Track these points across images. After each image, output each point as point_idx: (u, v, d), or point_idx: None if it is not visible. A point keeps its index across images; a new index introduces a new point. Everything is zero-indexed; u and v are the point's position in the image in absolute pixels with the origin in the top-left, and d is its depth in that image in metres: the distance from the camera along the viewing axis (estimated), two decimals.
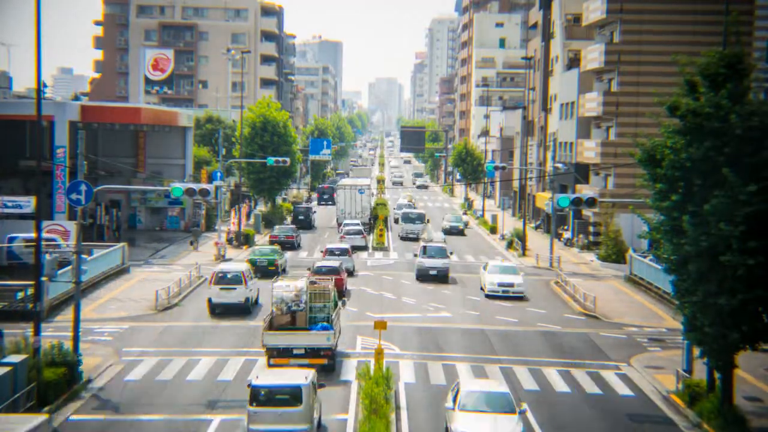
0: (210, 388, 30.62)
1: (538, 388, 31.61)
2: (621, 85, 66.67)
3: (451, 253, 58.52)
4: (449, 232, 78.61)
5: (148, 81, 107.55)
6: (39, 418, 22.05)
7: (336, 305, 34.95)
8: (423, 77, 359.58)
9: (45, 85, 70.59)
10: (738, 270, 24.56)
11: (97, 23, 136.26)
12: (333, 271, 45.74)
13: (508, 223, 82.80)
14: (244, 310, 42.90)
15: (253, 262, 51.81)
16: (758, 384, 32.46)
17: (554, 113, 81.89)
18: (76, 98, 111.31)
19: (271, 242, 65.57)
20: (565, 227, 74.68)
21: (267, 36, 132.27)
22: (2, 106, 67.24)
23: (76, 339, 31.31)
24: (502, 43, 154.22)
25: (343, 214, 79.89)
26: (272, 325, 33.14)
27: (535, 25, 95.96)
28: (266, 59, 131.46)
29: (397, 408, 28.44)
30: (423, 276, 53.68)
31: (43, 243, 34.58)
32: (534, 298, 49.48)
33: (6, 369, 26.14)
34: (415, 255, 57.48)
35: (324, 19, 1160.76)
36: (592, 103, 68.99)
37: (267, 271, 51.70)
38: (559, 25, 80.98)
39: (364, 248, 68.10)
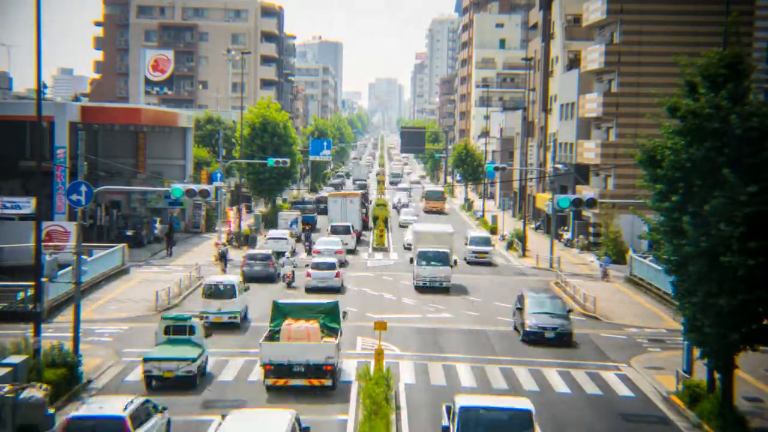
0: (210, 389, 30.60)
1: (538, 389, 31.60)
2: (621, 85, 66.71)
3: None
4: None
5: (148, 82, 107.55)
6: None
7: None
8: (423, 78, 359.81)
9: (45, 86, 70.58)
10: (738, 270, 24.55)
11: (98, 24, 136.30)
12: None
13: (509, 223, 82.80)
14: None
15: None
16: (758, 384, 32.47)
17: (554, 114, 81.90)
18: (76, 99, 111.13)
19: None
20: (565, 228, 74.68)
21: (267, 37, 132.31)
22: (2, 107, 67.18)
23: (76, 340, 31.31)
24: (502, 43, 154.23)
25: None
26: None
27: (535, 26, 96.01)
28: (266, 60, 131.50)
29: (398, 408, 28.44)
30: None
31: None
32: None
33: (6, 370, 26.14)
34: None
35: (324, 19, 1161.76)
36: (592, 104, 69.02)
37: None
38: (559, 26, 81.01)
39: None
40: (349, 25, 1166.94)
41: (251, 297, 43.52)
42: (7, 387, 23.38)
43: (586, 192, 63.11)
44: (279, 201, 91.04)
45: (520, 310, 39.47)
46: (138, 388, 30.32)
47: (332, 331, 32.42)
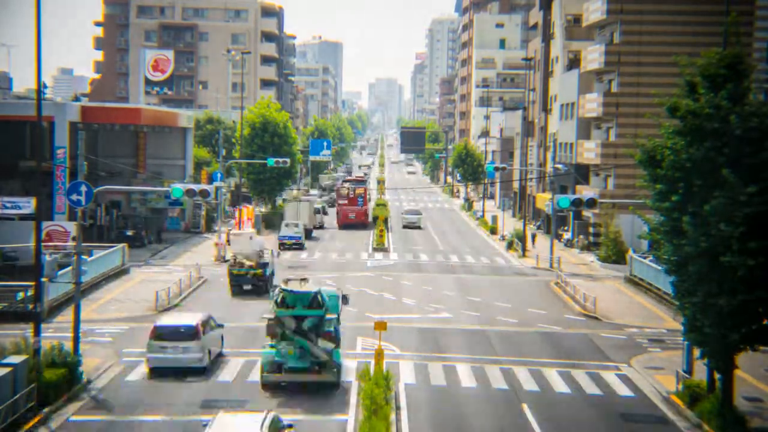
0: (210, 389, 30.60)
1: (538, 389, 31.61)
2: (621, 85, 66.71)
3: None
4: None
5: (148, 82, 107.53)
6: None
7: None
8: (423, 78, 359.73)
9: (45, 86, 70.49)
10: (738, 271, 24.54)
11: (98, 24, 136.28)
12: None
13: (509, 223, 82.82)
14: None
15: None
16: (758, 384, 32.48)
17: (554, 114, 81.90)
18: (77, 99, 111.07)
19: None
20: (566, 228, 74.67)
21: (267, 36, 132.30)
22: (2, 107, 67.19)
23: (76, 340, 31.31)
24: (502, 43, 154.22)
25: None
26: None
27: (535, 26, 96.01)
28: (266, 60, 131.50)
29: (398, 409, 28.43)
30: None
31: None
32: (534, 299, 49.53)
33: (6, 370, 26.12)
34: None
35: (324, 19, 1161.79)
36: (592, 104, 69.01)
37: None
38: (559, 26, 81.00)
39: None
40: (349, 25, 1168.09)
41: None
42: None
43: (586, 192, 63.11)
44: (279, 201, 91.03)
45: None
46: (138, 388, 30.34)
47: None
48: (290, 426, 23.28)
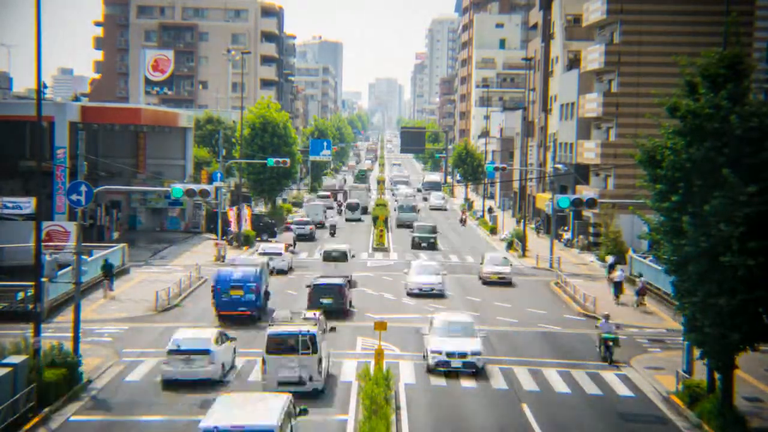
0: (210, 389, 30.59)
1: (538, 389, 31.61)
2: (621, 85, 66.69)
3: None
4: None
5: (148, 82, 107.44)
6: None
7: None
8: (423, 78, 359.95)
9: (45, 86, 70.48)
10: (738, 271, 24.54)
11: (98, 24, 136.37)
12: None
13: (508, 223, 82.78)
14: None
15: None
16: (758, 384, 32.48)
17: (554, 114, 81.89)
18: (77, 99, 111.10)
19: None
20: (565, 228, 74.66)
21: (267, 36, 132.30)
22: (2, 107, 67.17)
23: (76, 340, 31.31)
24: (502, 43, 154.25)
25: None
26: None
27: (535, 26, 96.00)
28: (266, 60, 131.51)
29: (398, 408, 28.44)
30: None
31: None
32: (534, 299, 49.50)
33: (6, 370, 26.13)
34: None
35: (324, 19, 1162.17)
36: (592, 104, 69.00)
37: None
38: (559, 26, 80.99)
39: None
40: (349, 25, 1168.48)
41: None
42: None
43: (586, 192, 63.10)
44: (279, 201, 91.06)
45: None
46: (138, 388, 30.33)
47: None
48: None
